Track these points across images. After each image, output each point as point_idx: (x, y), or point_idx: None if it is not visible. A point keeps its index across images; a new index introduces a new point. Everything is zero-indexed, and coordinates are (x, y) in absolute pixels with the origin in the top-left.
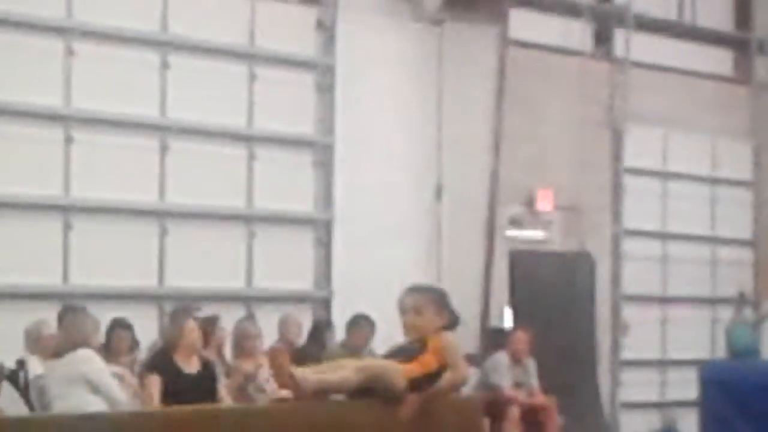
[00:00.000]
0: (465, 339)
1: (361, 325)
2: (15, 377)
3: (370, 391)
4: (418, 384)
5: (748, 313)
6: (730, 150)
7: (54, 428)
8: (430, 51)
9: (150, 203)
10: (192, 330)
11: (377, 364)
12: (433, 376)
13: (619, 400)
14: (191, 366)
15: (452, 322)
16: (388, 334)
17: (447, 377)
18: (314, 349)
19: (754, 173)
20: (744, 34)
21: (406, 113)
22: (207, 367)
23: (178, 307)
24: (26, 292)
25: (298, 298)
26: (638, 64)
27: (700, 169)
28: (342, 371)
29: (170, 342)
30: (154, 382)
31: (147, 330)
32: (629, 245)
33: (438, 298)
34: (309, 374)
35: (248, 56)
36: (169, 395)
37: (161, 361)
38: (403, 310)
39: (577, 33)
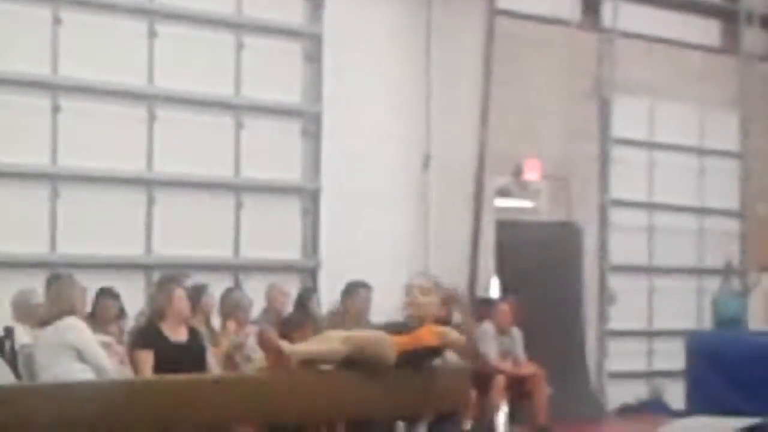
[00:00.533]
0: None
1: (359, 292)
2: (2, 346)
3: (359, 361)
4: (410, 358)
5: (735, 283)
6: (717, 120)
7: (42, 397)
8: (418, 20)
9: (137, 172)
10: (180, 298)
11: (365, 335)
12: (430, 352)
13: (606, 370)
14: (179, 335)
15: (447, 322)
16: (376, 302)
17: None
18: (301, 317)
19: (741, 144)
20: (732, 4)
21: (393, 83)
22: (195, 335)
23: (166, 275)
24: (13, 261)
25: (285, 268)
26: (626, 34)
27: (688, 139)
28: (329, 343)
29: (158, 311)
30: (146, 357)
31: (134, 299)
32: (616, 215)
33: (446, 296)
34: (296, 347)
35: (236, 25)
36: (158, 364)
37: (149, 333)
38: (409, 289)
39: (565, 3)
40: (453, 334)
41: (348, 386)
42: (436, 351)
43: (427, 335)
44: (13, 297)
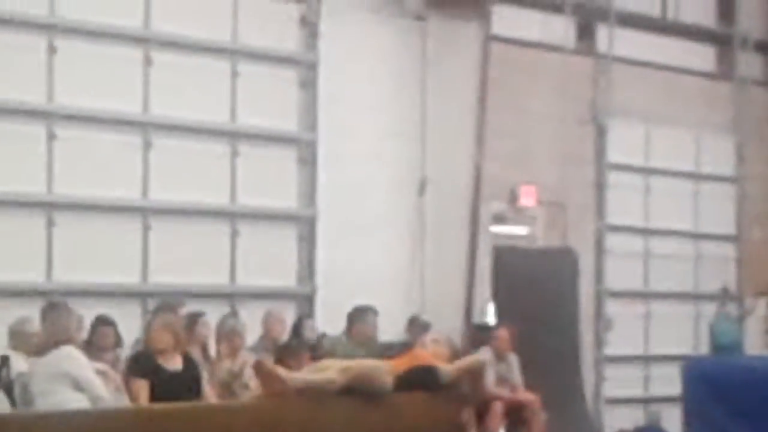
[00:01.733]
0: (448, 335)
1: (366, 316)
2: None
3: (355, 390)
4: (407, 381)
5: (732, 308)
6: (712, 145)
7: (38, 425)
8: (413, 47)
9: (133, 200)
10: (158, 330)
11: (362, 364)
12: (425, 371)
13: (603, 396)
14: (174, 363)
15: None
16: None
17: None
18: (297, 344)
19: (736, 168)
20: (727, 29)
21: (389, 109)
22: (190, 363)
23: (160, 305)
24: (9, 289)
25: (282, 295)
26: (621, 60)
27: (683, 164)
28: (326, 372)
29: (149, 341)
30: (141, 387)
31: (130, 327)
32: (612, 241)
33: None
34: (294, 375)
35: (231, 52)
36: (154, 393)
37: (144, 361)
38: (425, 341)
39: (559, 28)
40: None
41: (344, 413)
42: (430, 370)
43: (423, 355)
44: (9, 325)
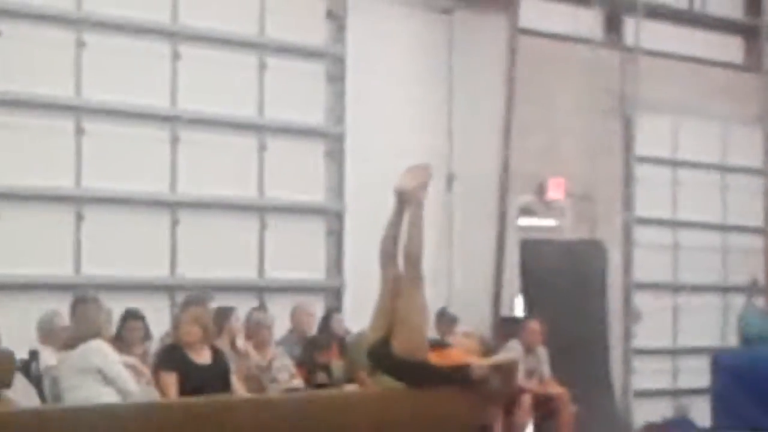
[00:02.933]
0: (477, 328)
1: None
2: (27, 368)
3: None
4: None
5: (760, 300)
6: (740, 137)
7: (67, 420)
8: (440, 40)
9: (161, 194)
10: (186, 324)
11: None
12: (453, 371)
13: (632, 388)
14: (203, 357)
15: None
16: None
17: None
18: (326, 338)
19: (764, 160)
20: (754, 21)
21: (416, 102)
22: (218, 357)
23: (189, 298)
24: (39, 283)
25: (310, 288)
26: (649, 52)
27: (711, 156)
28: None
29: (178, 335)
30: (170, 380)
31: (159, 320)
32: (640, 233)
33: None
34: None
35: (259, 46)
36: (183, 386)
37: (173, 355)
38: (456, 335)
39: (587, 21)
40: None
41: (373, 407)
42: (463, 367)
43: (456, 351)
44: (38, 320)
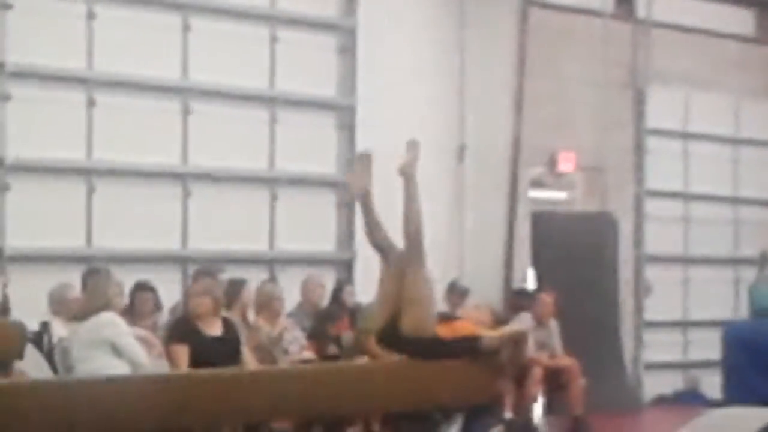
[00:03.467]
0: (488, 300)
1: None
2: (39, 340)
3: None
4: (452, 349)
5: None
6: (752, 110)
7: (79, 391)
8: (451, 12)
9: (173, 166)
10: (197, 297)
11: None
12: (464, 342)
13: (642, 361)
14: (214, 329)
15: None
16: None
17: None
18: (336, 310)
19: None
20: None
21: (427, 75)
22: (229, 329)
23: (200, 270)
24: (50, 255)
25: (321, 260)
26: (660, 25)
27: (723, 129)
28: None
29: (189, 306)
30: (181, 352)
31: (171, 292)
32: (651, 206)
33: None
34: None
35: (270, 18)
36: (194, 358)
37: (184, 327)
38: (467, 307)
39: None
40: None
41: (383, 378)
42: (473, 338)
43: (466, 323)
44: (49, 291)
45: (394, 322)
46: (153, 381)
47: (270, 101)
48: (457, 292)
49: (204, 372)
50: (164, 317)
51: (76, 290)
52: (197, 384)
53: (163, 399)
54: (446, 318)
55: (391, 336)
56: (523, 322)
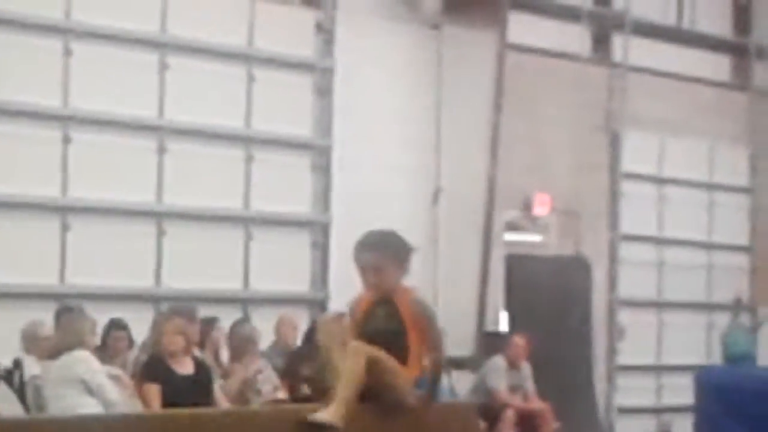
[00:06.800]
0: (461, 342)
1: None
2: (10, 377)
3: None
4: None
5: (745, 318)
6: (727, 156)
7: (50, 430)
8: (428, 54)
9: (147, 204)
10: (170, 335)
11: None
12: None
13: (615, 405)
14: (185, 368)
15: (408, 266)
16: None
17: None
18: (309, 350)
19: (751, 179)
20: (742, 39)
21: (404, 116)
22: (201, 368)
23: (171, 308)
24: (23, 292)
25: (295, 300)
26: (636, 69)
27: (698, 174)
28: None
29: (156, 347)
30: (153, 391)
31: (143, 331)
32: (626, 250)
33: (395, 252)
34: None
35: (247, 58)
36: (165, 397)
37: (155, 366)
38: (362, 268)
39: (575, 37)
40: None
41: (360, 423)
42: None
43: (419, 351)
44: (22, 328)
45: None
46: (125, 420)
47: (246, 140)
48: None
49: (176, 411)
50: (133, 354)
51: (48, 327)
52: (169, 423)
53: None
54: (395, 336)
55: None
56: (495, 365)
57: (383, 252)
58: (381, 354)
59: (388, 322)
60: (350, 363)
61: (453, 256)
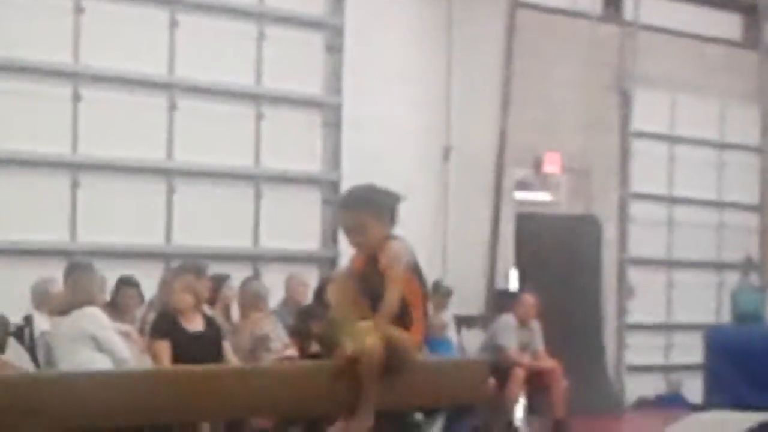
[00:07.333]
0: (471, 301)
1: (442, 291)
2: (21, 333)
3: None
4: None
5: (754, 278)
6: (738, 115)
7: (60, 385)
8: (439, 12)
9: (158, 161)
10: (179, 293)
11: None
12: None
13: (625, 364)
14: (195, 324)
15: (393, 217)
16: None
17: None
18: (320, 308)
19: (761, 138)
20: None
21: (414, 74)
22: (211, 325)
23: (181, 265)
24: (33, 249)
25: (305, 258)
26: (647, 28)
27: (708, 133)
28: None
29: (165, 304)
30: (163, 348)
31: (153, 288)
32: (636, 209)
33: (375, 208)
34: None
35: (258, 15)
36: (175, 354)
37: (165, 322)
38: (344, 230)
39: None
40: None
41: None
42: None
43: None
44: (32, 285)
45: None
46: (135, 376)
47: (256, 98)
48: (440, 292)
49: (185, 368)
50: (141, 311)
51: (58, 284)
52: (178, 380)
53: (145, 394)
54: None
55: None
56: (505, 322)
57: (361, 210)
58: (387, 331)
59: (381, 284)
60: (367, 356)
61: (463, 214)
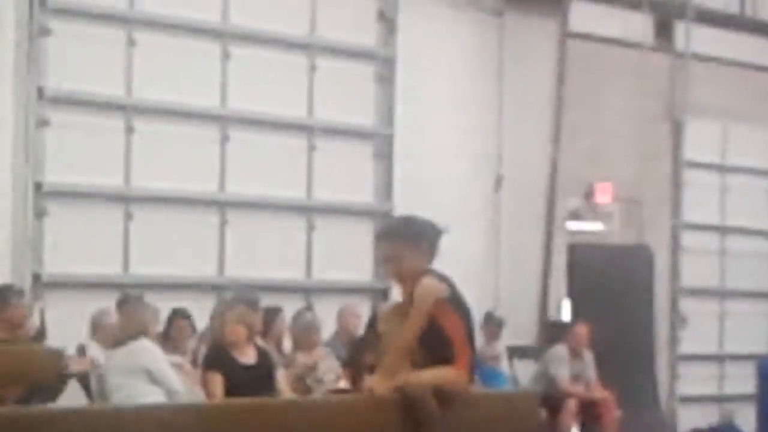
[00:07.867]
0: (523, 331)
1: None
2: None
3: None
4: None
5: None
6: None
7: (113, 418)
8: (490, 42)
9: (210, 193)
10: (232, 324)
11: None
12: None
13: (677, 394)
14: (248, 357)
15: (433, 249)
16: None
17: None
18: (372, 339)
19: None
20: None
21: (466, 104)
22: (263, 356)
23: (233, 297)
24: (87, 282)
25: (357, 289)
26: (698, 57)
27: (760, 162)
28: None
29: (217, 337)
30: (216, 380)
31: (205, 320)
32: (688, 238)
33: (412, 239)
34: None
35: (309, 46)
36: (228, 386)
37: (218, 355)
38: (380, 261)
39: (637, 25)
40: None
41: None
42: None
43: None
44: (91, 316)
45: None
46: (188, 409)
47: (308, 129)
48: (492, 323)
49: (238, 401)
50: (192, 343)
51: (113, 316)
52: (232, 413)
53: (198, 428)
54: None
55: None
56: (557, 354)
57: (397, 241)
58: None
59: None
60: None
61: (515, 244)
